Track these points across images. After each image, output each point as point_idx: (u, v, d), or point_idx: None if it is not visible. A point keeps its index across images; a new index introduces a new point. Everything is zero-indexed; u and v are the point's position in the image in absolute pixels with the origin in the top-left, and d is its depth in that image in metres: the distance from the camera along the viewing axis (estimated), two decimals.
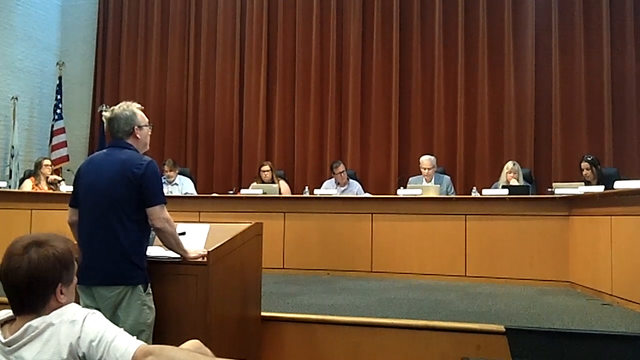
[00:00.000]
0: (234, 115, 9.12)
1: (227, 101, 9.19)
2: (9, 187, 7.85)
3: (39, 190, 6.97)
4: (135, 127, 3.02)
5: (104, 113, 3.12)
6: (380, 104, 8.48)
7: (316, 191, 6.76)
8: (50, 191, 7.02)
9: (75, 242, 2.88)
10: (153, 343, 2.72)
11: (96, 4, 10.03)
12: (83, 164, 3.10)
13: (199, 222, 3.52)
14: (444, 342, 3.57)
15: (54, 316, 1.71)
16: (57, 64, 9.69)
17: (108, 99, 9.51)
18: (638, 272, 4.20)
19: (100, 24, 9.97)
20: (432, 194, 6.30)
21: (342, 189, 7.17)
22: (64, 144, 9.36)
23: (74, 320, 1.71)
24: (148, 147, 3.14)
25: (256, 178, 7.46)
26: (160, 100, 9.47)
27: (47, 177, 7.17)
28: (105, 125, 3.07)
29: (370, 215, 6.18)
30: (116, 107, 3.06)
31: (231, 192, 7.24)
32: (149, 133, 3.12)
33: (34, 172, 7.25)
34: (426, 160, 6.93)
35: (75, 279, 1.84)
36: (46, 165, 7.22)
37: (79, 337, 1.68)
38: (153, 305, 2.92)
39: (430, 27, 8.39)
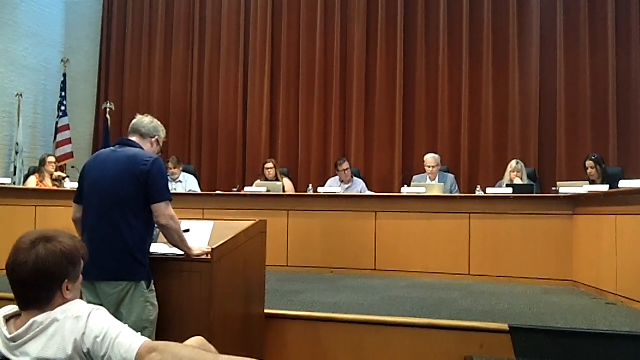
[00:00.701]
0: (237, 112, 9.13)
1: (231, 99, 9.20)
2: (14, 183, 7.85)
3: (43, 187, 6.98)
4: (157, 137, 3.14)
5: (138, 115, 3.22)
6: (384, 102, 8.47)
7: (320, 189, 6.76)
8: (55, 188, 7.03)
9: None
10: (157, 340, 2.72)
11: (101, 1, 10.06)
12: (89, 160, 3.12)
13: (203, 219, 3.51)
14: (448, 341, 3.57)
15: (58, 312, 1.71)
16: (62, 60, 9.69)
17: (112, 96, 9.55)
18: None
19: (105, 21, 9.99)
20: (436, 192, 6.29)
21: (346, 186, 7.17)
22: (68, 141, 9.37)
23: (79, 316, 1.71)
24: None
25: (260, 176, 7.46)
26: (164, 97, 9.49)
27: (52, 174, 7.18)
28: (135, 119, 3.17)
29: (374, 213, 6.18)
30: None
31: (235, 189, 7.24)
32: (155, 153, 3.14)
33: (38, 169, 7.26)
34: (430, 159, 6.92)
35: (81, 277, 1.84)
36: (50, 162, 7.23)
37: (83, 333, 1.68)
38: (156, 302, 2.92)
39: (434, 26, 8.38)
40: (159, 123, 3.22)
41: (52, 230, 1.79)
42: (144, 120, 3.15)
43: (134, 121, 3.15)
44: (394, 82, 8.43)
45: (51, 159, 7.34)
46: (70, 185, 6.86)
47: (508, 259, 5.74)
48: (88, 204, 2.95)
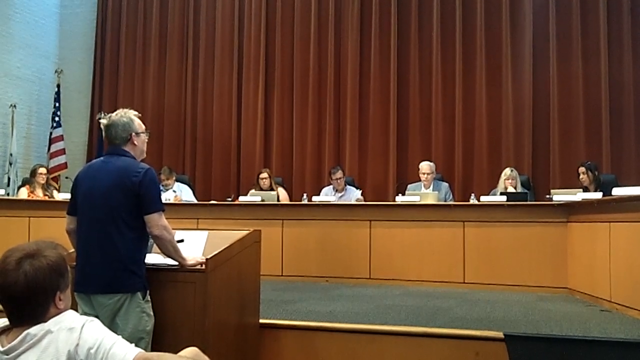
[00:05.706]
0: (232, 122, 9.13)
1: (225, 108, 9.20)
2: (7, 194, 7.83)
3: (35, 198, 6.96)
4: (133, 134, 3.01)
5: (101, 120, 3.11)
6: (378, 111, 8.49)
7: (314, 198, 6.76)
8: (46, 198, 7.02)
9: (72, 250, 2.89)
10: (151, 350, 2.71)
11: (95, 12, 10.06)
12: (80, 171, 3.10)
13: (197, 229, 3.51)
14: (443, 349, 3.56)
15: (52, 323, 1.71)
16: (56, 71, 9.70)
17: (106, 106, 9.51)
18: (636, 279, 4.20)
19: (99, 32, 9.99)
20: (431, 200, 6.30)
21: (340, 195, 7.17)
22: (62, 152, 9.37)
23: (72, 327, 1.70)
24: (145, 155, 3.13)
25: (254, 185, 7.45)
26: (158, 108, 9.48)
27: (43, 185, 7.17)
28: (103, 132, 3.07)
29: (369, 222, 6.17)
30: (113, 114, 3.05)
31: (229, 199, 7.23)
32: (146, 140, 3.12)
33: (29, 180, 7.25)
34: (425, 166, 6.95)
35: (70, 283, 1.83)
36: (40, 173, 7.21)
37: (77, 345, 1.67)
38: (152, 313, 2.91)
39: (427, 35, 8.42)
40: (125, 118, 3.01)
41: (33, 243, 1.77)
42: (111, 130, 3.00)
43: (103, 133, 3.05)
44: (388, 91, 8.45)
45: (42, 170, 7.31)
46: (60, 196, 6.88)
47: (503, 266, 5.74)
48: (81, 216, 2.94)
